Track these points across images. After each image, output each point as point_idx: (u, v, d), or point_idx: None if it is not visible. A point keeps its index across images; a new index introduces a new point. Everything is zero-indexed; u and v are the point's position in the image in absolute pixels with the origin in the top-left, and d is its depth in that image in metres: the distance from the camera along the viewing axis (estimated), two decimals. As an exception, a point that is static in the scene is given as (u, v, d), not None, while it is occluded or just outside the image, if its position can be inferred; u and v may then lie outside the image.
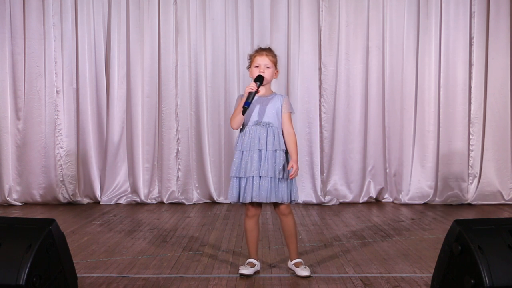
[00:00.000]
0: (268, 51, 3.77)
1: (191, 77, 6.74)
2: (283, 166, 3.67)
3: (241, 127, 3.77)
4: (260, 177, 3.65)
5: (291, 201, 3.73)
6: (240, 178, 3.69)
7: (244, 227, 3.88)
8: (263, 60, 3.72)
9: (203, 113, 6.75)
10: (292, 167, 3.62)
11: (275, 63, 3.76)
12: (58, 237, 2.84)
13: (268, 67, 3.72)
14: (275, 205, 3.76)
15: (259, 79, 3.65)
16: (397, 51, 6.72)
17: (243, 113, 3.61)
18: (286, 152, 3.73)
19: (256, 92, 3.61)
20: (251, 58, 3.79)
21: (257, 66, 3.73)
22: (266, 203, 3.74)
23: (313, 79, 6.69)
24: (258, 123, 3.71)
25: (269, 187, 3.64)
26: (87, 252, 4.39)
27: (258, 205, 3.76)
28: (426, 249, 4.45)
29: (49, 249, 2.75)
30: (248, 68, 3.82)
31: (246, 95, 3.60)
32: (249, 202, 3.71)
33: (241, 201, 3.71)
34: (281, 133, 3.73)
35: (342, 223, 5.59)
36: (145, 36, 6.72)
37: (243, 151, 3.71)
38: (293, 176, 3.63)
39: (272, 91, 3.83)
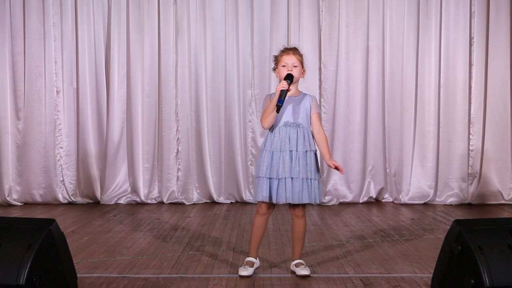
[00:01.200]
0: (294, 50, 3.76)
1: (191, 77, 6.74)
2: (314, 167, 3.68)
3: (271, 127, 3.74)
4: (292, 178, 3.65)
5: (320, 202, 3.79)
6: (270, 178, 3.68)
7: (252, 223, 3.86)
8: (290, 59, 3.71)
9: (203, 113, 6.75)
10: (334, 164, 3.68)
11: (301, 62, 3.74)
12: (58, 237, 2.84)
13: (295, 66, 3.70)
14: (291, 206, 3.75)
15: (289, 77, 3.63)
16: (397, 51, 6.72)
17: (277, 111, 3.59)
18: (316, 153, 3.74)
19: (288, 90, 3.60)
20: (277, 58, 3.78)
21: (284, 66, 3.71)
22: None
23: (313, 79, 6.69)
24: (288, 123, 3.70)
25: (301, 188, 3.64)
26: (87, 252, 4.39)
27: (272, 204, 3.76)
28: (426, 249, 4.45)
29: (49, 249, 2.75)
30: (274, 69, 3.81)
31: (278, 93, 3.58)
32: (262, 201, 3.70)
33: (274, 202, 3.69)
34: (310, 133, 3.74)
35: (342, 223, 5.59)
36: (145, 36, 6.72)
37: (273, 152, 3.69)
38: (342, 171, 3.71)
39: (300, 91, 3.80)
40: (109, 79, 6.76)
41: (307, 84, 6.65)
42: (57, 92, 6.72)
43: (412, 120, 6.71)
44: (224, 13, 6.72)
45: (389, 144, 6.78)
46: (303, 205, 3.74)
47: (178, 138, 6.76)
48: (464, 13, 6.63)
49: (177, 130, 6.75)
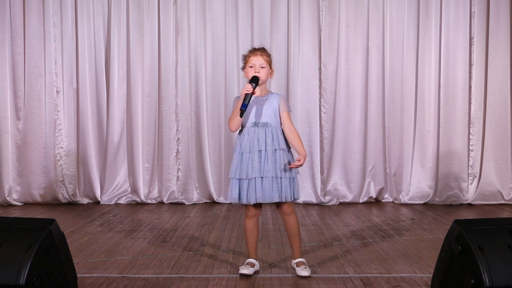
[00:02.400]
0: (262, 50, 3.75)
1: (191, 77, 6.74)
2: (284, 165, 3.68)
3: (239, 128, 3.76)
4: (262, 177, 3.65)
5: (294, 200, 3.73)
6: (240, 179, 3.69)
7: (244, 227, 3.88)
8: (257, 60, 3.71)
9: (203, 113, 6.75)
10: (299, 160, 3.62)
11: (269, 63, 3.74)
12: (58, 237, 2.84)
13: (262, 67, 3.70)
14: (278, 205, 3.76)
15: (254, 80, 3.64)
16: (397, 51, 6.72)
17: (241, 115, 3.61)
18: (287, 151, 3.73)
19: (252, 93, 3.60)
20: (245, 58, 3.78)
21: (251, 67, 3.71)
22: (267, 203, 3.74)
23: (313, 79, 6.69)
24: (256, 124, 3.71)
25: (271, 187, 3.64)
26: (87, 252, 4.39)
27: (258, 205, 3.77)
28: (426, 249, 4.45)
29: (49, 249, 2.75)
30: (243, 69, 3.81)
31: (242, 97, 3.60)
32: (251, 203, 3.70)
33: (244, 202, 3.70)
34: (280, 132, 3.73)
35: (342, 223, 5.59)
36: (145, 36, 6.72)
37: (242, 153, 3.70)
38: (292, 166, 3.62)
39: (269, 91, 3.82)
40: (109, 79, 6.76)
41: (307, 84, 6.69)
42: (57, 92, 6.72)
43: (412, 120, 6.70)
44: (224, 13, 6.72)
45: (389, 144, 6.78)
46: (289, 202, 3.73)
47: (178, 138, 6.76)
48: (464, 13, 6.62)
49: (177, 130, 6.75)
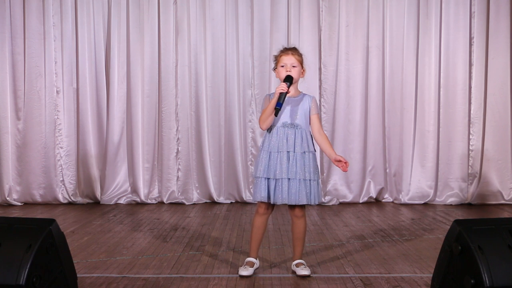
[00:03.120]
0: (293, 50, 3.75)
1: (191, 77, 6.74)
2: (313, 168, 3.67)
3: (269, 127, 3.74)
4: (289, 179, 3.65)
5: (318, 203, 3.78)
6: (268, 179, 3.68)
7: (252, 223, 3.86)
8: (289, 60, 3.70)
9: (203, 113, 6.75)
10: (340, 161, 3.65)
11: (301, 62, 3.73)
12: (58, 237, 2.84)
13: (294, 66, 3.69)
14: (290, 206, 3.75)
15: (289, 79, 3.62)
16: (397, 51, 6.72)
17: (276, 114, 3.59)
18: (314, 154, 3.73)
19: (287, 92, 3.59)
20: (277, 58, 3.77)
21: (283, 66, 3.70)
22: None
23: (313, 79, 6.69)
24: (286, 124, 3.70)
25: (298, 189, 3.64)
26: (87, 252, 4.39)
27: (271, 204, 3.75)
28: (426, 249, 4.45)
29: (49, 249, 2.74)
30: (274, 69, 3.80)
31: (277, 96, 3.58)
32: (261, 201, 3.70)
33: (271, 202, 3.69)
34: (309, 134, 3.73)
35: (342, 223, 5.59)
36: (145, 36, 6.72)
37: (270, 152, 3.69)
38: (346, 167, 3.66)
39: (300, 91, 3.80)
40: (109, 79, 6.76)
41: (307, 84, 6.65)
42: (57, 92, 6.72)
43: (412, 120, 6.71)
44: (224, 13, 6.72)
45: (389, 144, 6.79)
46: (302, 206, 3.74)
47: (178, 138, 6.76)
48: (464, 13, 6.63)
49: (177, 130, 6.75)
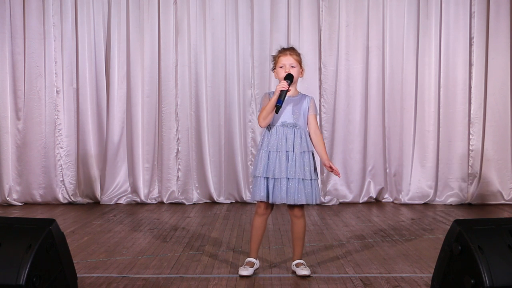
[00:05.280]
0: (291, 50, 3.75)
1: (191, 77, 6.74)
2: (311, 167, 3.68)
3: (268, 126, 3.74)
4: (287, 178, 3.64)
5: (317, 202, 3.76)
6: (267, 178, 3.68)
7: (251, 223, 3.86)
8: (287, 60, 3.70)
9: (203, 113, 6.75)
10: (330, 166, 3.66)
11: (299, 62, 3.73)
12: (58, 237, 2.84)
13: (293, 67, 3.69)
14: (290, 206, 3.75)
15: (289, 78, 3.63)
16: (397, 51, 6.72)
17: (277, 111, 3.59)
18: (313, 154, 3.73)
19: (288, 90, 3.59)
20: (275, 59, 3.77)
21: (281, 67, 3.71)
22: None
23: (313, 79, 6.69)
24: (285, 124, 3.70)
25: (297, 189, 3.64)
26: (87, 252, 4.39)
27: (270, 205, 3.75)
28: (426, 249, 4.45)
29: (49, 249, 2.74)
30: (273, 70, 3.80)
31: (277, 93, 3.58)
32: (260, 201, 3.70)
33: (270, 201, 3.69)
34: (307, 134, 3.73)
35: (342, 223, 5.59)
36: (145, 36, 6.72)
37: (269, 151, 3.69)
38: (337, 172, 3.70)
39: (298, 92, 3.80)
40: (109, 79, 6.76)
41: (307, 84, 6.67)
42: (57, 92, 6.72)
43: (412, 120, 6.71)
44: (224, 13, 6.72)
45: (389, 144, 6.79)
46: (302, 206, 3.74)
47: (178, 138, 6.76)
48: (464, 13, 6.63)
49: (177, 130, 6.75)
